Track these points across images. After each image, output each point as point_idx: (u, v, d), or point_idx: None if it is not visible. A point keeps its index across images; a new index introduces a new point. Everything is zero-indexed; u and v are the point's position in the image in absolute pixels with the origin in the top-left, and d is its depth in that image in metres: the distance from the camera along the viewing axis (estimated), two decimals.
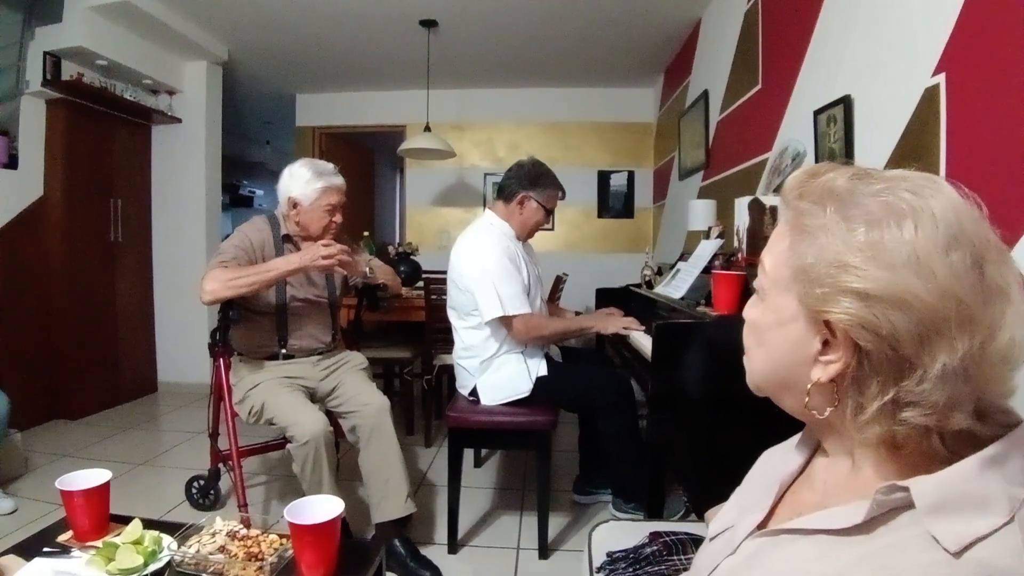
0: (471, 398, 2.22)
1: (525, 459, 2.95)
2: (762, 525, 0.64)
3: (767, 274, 0.59)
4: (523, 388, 2.14)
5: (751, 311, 0.63)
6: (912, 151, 1.65)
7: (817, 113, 2.14)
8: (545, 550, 2.08)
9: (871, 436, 0.52)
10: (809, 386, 0.55)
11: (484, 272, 2.10)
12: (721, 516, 0.73)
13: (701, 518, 1.16)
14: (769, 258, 0.59)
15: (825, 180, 0.55)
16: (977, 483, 0.47)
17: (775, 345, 0.58)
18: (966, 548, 0.44)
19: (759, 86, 2.79)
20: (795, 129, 2.38)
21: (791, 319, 0.56)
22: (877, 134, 1.82)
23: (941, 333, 0.46)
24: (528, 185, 2.24)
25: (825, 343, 0.53)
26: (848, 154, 1.96)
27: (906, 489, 0.48)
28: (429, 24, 3.91)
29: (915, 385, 0.47)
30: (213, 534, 1.21)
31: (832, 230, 0.51)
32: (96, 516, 1.22)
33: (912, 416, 0.48)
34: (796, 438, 0.70)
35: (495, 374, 2.18)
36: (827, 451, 0.62)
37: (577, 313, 2.81)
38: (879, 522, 0.49)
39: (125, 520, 1.22)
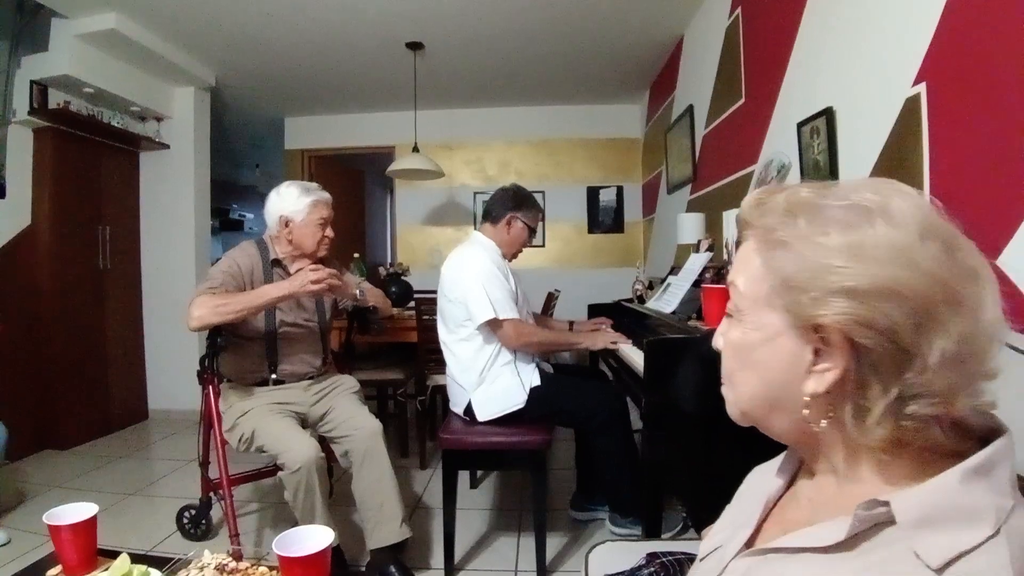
0: (465, 416, 2.21)
1: (521, 479, 2.92)
2: (749, 543, 0.64)
3: (742, 295, 0.59)
4: (518, 400, 2.15)
5: (732, 334, 0.61)
6: (895, 160, 1.67)
7: (800, 125, 2.16)
8: (544, 572, 2.05)
9: (876, 439, 0.51)
10: (806, 398, 0.54)
11: (476, 277, 2.16)
12: (712, 535, 0.72)
13: (700, 534, 1.15)
14: (742, 278, 0.59)
15: (787, 195, 0.56)
16: (961, 495, 0.46)
17: (765, 363, 0.57)
18: (949, 564, 0.43)
19: (742, 100, 2.82)
20: (779, 142, 2.40)
21: (777, 334, 0.55)
22: (860, 145, 1.84)
23: (935, 318, 0.47)
24: (514, 207, 2.36)
25: (816, 352, 0.53)
26: (832, 165, 1.97)
27: (886, 504, 0.47)
28: (415, 47, 3.94)
29: (917, 376, 0.48)
30: (201, 568, 1.18)
31: (809, 237, 0.52)
32: (83, 551, 1.19)
33: (918, 408, 0.48)
34: (783, 456, 0.69)
35: (489, 387, 2.18)
36: (811, 469, 0.61)
37: (571, 323, 2.82)
38: (863, 538, 0.49)
39: (114, 554, 1.19)
